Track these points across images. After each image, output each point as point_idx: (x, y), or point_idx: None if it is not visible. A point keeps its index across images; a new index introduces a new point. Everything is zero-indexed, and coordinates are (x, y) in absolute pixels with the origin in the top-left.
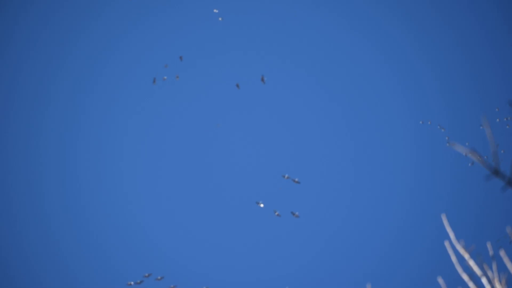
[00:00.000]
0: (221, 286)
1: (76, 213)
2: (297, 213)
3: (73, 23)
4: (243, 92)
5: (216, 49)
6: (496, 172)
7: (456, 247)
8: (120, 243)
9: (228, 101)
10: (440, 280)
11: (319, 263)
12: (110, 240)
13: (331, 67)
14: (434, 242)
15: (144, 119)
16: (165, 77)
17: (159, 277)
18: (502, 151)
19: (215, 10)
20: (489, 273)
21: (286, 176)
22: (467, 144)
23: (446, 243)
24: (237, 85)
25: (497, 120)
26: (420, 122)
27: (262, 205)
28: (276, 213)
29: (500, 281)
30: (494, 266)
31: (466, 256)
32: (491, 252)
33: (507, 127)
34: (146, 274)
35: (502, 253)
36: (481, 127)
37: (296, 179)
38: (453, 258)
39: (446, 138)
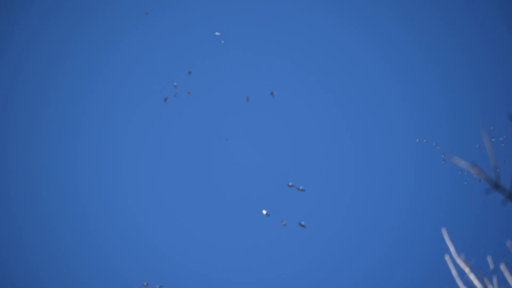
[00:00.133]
0: (221, 286)
1: (76, 213)
2: (303, 222)
3: (73, 23)
4: (243, 92)
5: (216, 49)
6: (496, 186)
7: (456, 261)
8: (120, 243)
9: (228, 101)
10: None
11: (319, 263)
12: (110, 240)
13: (331, 67)
14: (434, 242)
15: (145, 119)
16: (176, 94)
17: (158, 287)
18: (504, 162)
19: (216, 33)
20: (490, 287)
21: (290, 184)
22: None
23: (447, 257)
24: (247, 99)
25: (493, 139)
26: (417, 140)
27: (266, 213)
28: (283, 223)
29: None
30: (495, 280)
31: (467, 270)
32: (491, 266)
33: (503, 145)
34: (145, 283)
35: (502, 267)
36: (478, 145)
37: (301, 187)
38: (454, 272)
39: (442, 155)
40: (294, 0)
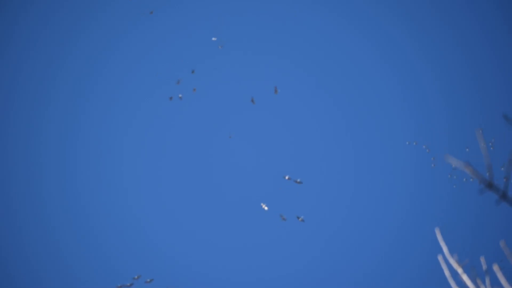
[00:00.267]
0: (221, 286)
1: (76, 213)
2: (302, 217)
3: (73, 23)
4: (243, 92)
5: (216, 49)
6: (490, 185)
7: (449, 261)
8: (120, 243)
9: (228, 101)
10: None
11: (319, 263)
12: (110, 240)
13: (332, 67)
14: (434, 242)
15: (144, 119)
16: (181, 95)
17: (148, 280)
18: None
19: (213, 39)
20: None
21: (287, 177)
22: (467, 150)
23: (440, 258)
24: (252, 100)
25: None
26: (407, 143)
27: (266, 208)
28: (282, 218)
29: None
30: (487, 281)
31: (460, 270)
32: (484, 267)
33: (492, 148)
34: (136, 276)
35: (495, 267)
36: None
37: (298, 180)
38: (446, 273)
39: (432, 159)
40: (294, 0)
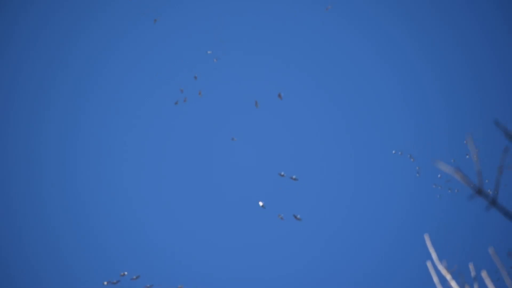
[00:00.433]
0: (221, 286)
1: (76, 213)
2: (299, 216)
3: (73, 23)
4: (243, 92)
5: (216, 50)
6: (479, 192)
7: (438, 268)
8: (121, 243)
9: (228, 101)
10: None
11: (319, 263)
12: (110, 239)
13: (332, 67)
14: (434, 242)
15: (144, 119)
16: (186, 99)
17: (134, 277)
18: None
19: (208, 52)
20: None
21: (282, 173)
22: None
23: (428, 264)
24: (256, 104)
25: (467, 156)
26: (393, 152)
27: (262, 205)
28: (280, 217)
29: None
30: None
31: (448, 277)
32: (473, 273)
33: (467, 157)
34: (122, 273)
35: (484, 274)
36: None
37: (294, 177)
38: (435, 279)
39: (417, 168)
40: (294, 0)
